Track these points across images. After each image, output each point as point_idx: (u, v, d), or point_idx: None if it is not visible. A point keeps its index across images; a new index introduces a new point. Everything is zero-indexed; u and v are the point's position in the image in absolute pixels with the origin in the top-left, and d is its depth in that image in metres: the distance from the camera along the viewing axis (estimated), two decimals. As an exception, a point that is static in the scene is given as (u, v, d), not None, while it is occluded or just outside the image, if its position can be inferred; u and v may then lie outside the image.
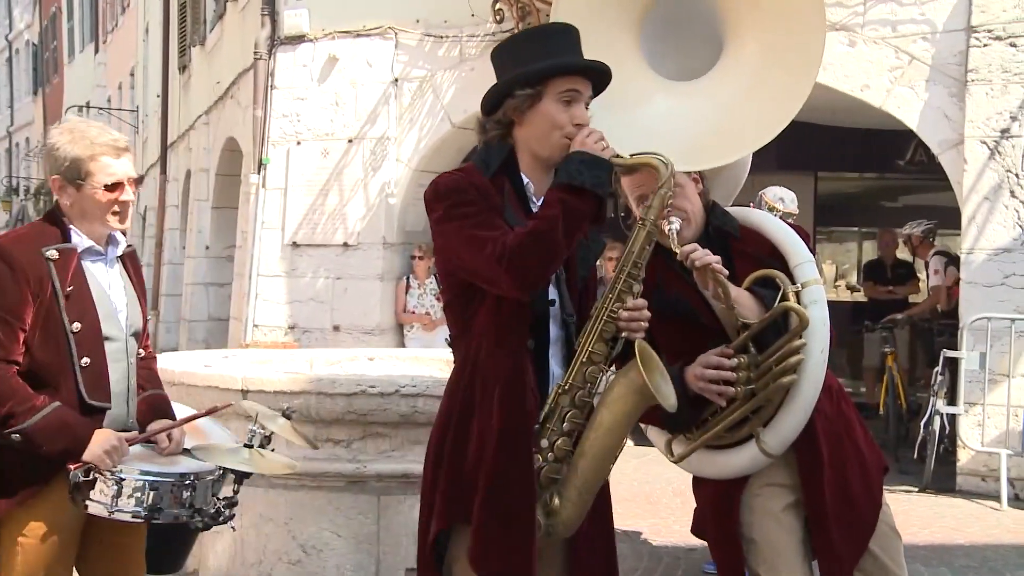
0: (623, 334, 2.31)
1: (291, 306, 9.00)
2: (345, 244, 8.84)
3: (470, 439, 2.29)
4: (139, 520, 2.50)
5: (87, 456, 2.48)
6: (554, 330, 2.38)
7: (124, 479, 2.47)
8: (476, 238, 2.24)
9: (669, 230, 2.43)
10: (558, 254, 2.26)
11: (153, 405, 2.76)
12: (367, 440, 3.84)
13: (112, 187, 2.59)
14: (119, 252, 2.72)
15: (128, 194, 2.63)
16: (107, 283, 2.66)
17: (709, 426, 2.58)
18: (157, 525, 2.59)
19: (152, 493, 2.48)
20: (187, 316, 12.44)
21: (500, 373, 2.29)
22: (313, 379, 3.96)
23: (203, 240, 12.37)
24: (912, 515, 5.98)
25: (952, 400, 6.72)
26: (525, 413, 2.29)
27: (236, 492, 2.71)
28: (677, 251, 2.42)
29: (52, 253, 2.52)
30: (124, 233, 2.73)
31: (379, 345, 8.28)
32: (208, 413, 2.77)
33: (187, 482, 2.53)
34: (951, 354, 6.68)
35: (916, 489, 6.66)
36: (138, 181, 2.73)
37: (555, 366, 2.37)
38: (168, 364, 4.42)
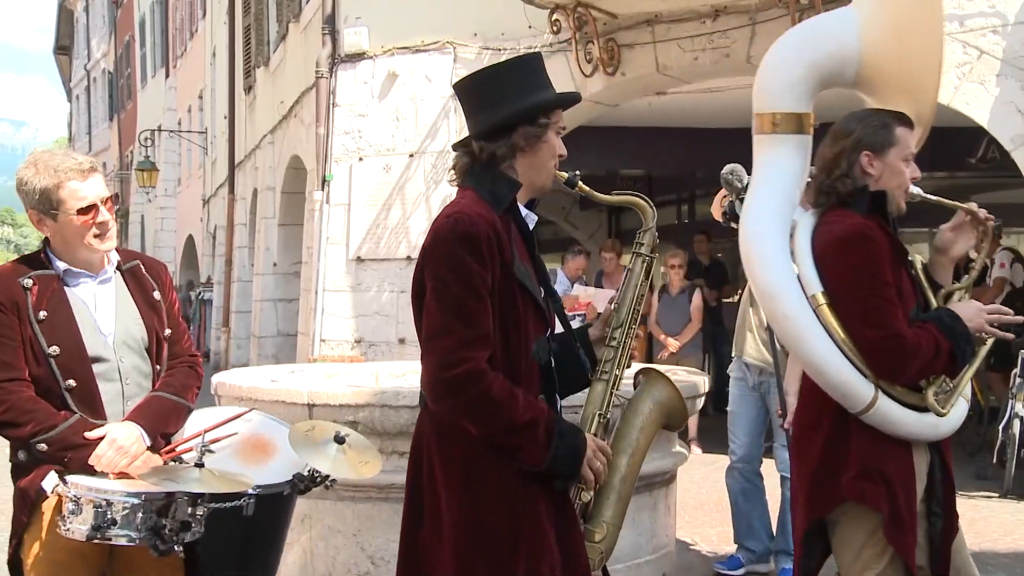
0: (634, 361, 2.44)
1: (357, 320, 9.10)
2: (408, 258, 8.92)
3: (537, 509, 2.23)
4: (97, 541, 2.42)
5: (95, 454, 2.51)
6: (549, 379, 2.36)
7: (78, 499, 2.43)
8: (464, 312, 2.15)
9: (916, 192, 2.71)
10: None
11: (143, 407, 2.65)
12: (432, 452, 3.85)
13: (86, 210, 2.56)
14: (111, 270, 2.68)
15: (103, 214, 2.59)
16: (95, 304, 2.63)
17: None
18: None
19: (111, 511, 2.41)
20: (257, 332, 12.67)
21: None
22: (377, 392, 4.00)
23: (271, 257, 12.60)
24: (993, 522, 5.80)
25: (1032, 403, 6.53)
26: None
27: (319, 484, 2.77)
28: (958, 204, 2.76)
29: (27, 282, 2.54)
30: (110, 257, 2.69)
31: (444, 357, 8.30)
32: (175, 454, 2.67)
33: (144, 503, 2.44)
34: (1030, 355, 6.51)
35: (996, 495, 6.47)
36: (114, 198, 2.65)
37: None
38: (236, 380, 4.52)
